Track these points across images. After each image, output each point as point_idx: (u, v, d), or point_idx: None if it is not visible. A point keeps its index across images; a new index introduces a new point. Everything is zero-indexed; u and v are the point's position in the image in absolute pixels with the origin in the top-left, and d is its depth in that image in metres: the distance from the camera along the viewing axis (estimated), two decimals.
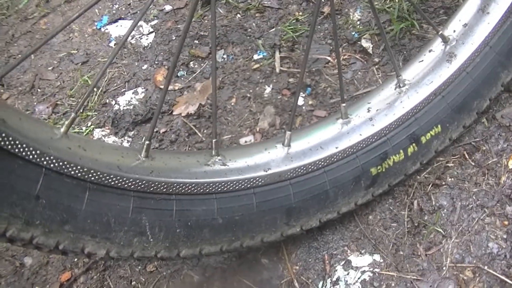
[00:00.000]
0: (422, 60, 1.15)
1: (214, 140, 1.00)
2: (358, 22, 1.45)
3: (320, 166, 1.05)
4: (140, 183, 0.89)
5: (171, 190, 0.93)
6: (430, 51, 1.16)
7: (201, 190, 0.96)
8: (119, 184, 0.87)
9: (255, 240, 1.03)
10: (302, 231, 1.08)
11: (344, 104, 1.08)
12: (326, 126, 1.09)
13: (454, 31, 1.16)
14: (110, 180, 0.86)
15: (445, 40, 1.14)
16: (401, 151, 1.10)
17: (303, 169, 1.04)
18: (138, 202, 0.90)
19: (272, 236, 1.05)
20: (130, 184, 0.88)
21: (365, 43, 1.40)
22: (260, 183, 1.01)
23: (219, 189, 0.97)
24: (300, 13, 1.50)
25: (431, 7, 1.41)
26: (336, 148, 1.06)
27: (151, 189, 0.91)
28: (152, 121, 0.94)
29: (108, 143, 1.32)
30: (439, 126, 1.13)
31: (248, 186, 1.00)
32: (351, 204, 1.10)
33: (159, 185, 0.91)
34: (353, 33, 1.43)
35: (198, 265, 1.15)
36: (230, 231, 1.00)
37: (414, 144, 1.11)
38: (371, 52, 1.39)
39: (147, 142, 0.93)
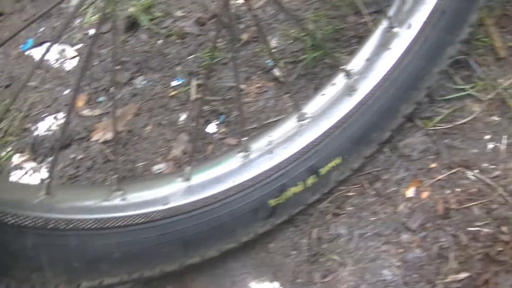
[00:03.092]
0: (324, 94, 1.28)
1: (114, 176, 1.13)
2: (274, 50, 1.58)
3: (218, 199, 1.17)
4: (39, 221, 1.01)
5: (69, 227, 1.05)
6: (332, 84, 1.28)
7: (100, 226, 1.08)
8: (19, 222, 0.99)
9: (154, 271, 1.16)
10: (202, 261, 1.22)
11: (244, 138, 1.21)
12: (227, 160, 1.22)
13: (357, 65, 1.28)
14: (9, 219, 0.98)
15: (348, 74, 1.27)
16: (300, 182, 1.23)
17: (202, 203, 1.17)
18: (37, 239, 1.02)
19: (171, 267, 1.18)
20: (29, 222, 0.99)
21: (278, 72, 1.53)
22: (158, 217, 1.13)
23: (117, 224, 1.09)
24: (220, 40, 1.63)
25: (344, 36, 1.55)
26: (234, 181, 1.19)
27: (50, 226, 1.03)
28: (52, 160, 1.07)
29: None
30: (339, 158, 1.26)
31: (147, 220, 1.12)
32: (251, 234, 1.23)
33: (58, 222, 1.04)
34: (268, 61, 1.56)
35: None
36: (129, 263, 1.13)
37: (313, 176, 1.24)
38: (283, 80, 1.53)
39: (47, 180, 1.06)
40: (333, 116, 1.25)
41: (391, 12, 1.30)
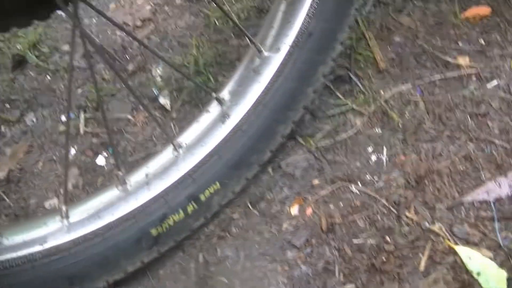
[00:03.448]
0: (199, 122, 1.33)
1: None
2: (159, 78, 1.65)
3: (98, 233, 1.21)
4: None
5: None
6: (206, 112, 1.34)
7: None
8: None
9: None
10: None
11: (120, 172, 1.27)
12: (104, 194, 1.26)
13: (229, 92, 1.33)
14: None
15: (220, 102, 1.33)
16: (180, 210, 1.28)
17: (81, 239, 1.21)
18: None
19: None
20: None
21: (163, 100, 1.59)
22: (37, 258, 1.17)
23: None
24: (107, 72, 1.69)
25: (227, 59, 1.61)
26: (113, 215, 1.24)
27: None
28: None
29: None
30: (217, 183, 1.31)
31: (25, 261, 1.16)
32: (137, 263, 1.28)
33: None
34: (153, 89, 1.63)
35: None
36: None
37: (193, 203, 1.29)
38: (169, 108, 1.59)
39: None
40: (208, 144, 1.30)
41: (259, 37, 1.35)
